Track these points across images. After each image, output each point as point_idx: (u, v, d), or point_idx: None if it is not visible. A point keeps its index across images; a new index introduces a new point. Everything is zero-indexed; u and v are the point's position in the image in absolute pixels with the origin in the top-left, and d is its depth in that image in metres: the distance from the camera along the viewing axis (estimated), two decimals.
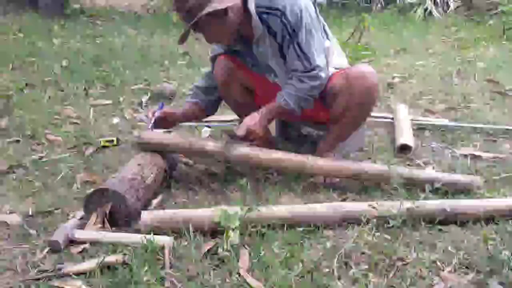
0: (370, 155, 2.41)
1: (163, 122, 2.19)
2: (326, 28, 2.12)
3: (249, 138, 1.99)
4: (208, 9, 1.83)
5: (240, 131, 1.98)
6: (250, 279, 1.42)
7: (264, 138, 2.10)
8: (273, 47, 1.99)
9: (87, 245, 1.60)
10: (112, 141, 2.53)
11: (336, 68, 2.09)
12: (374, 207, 1.64)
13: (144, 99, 3.32)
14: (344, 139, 2.22)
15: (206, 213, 1.68)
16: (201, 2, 1.83)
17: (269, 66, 2.08)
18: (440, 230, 1.72)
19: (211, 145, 2.04)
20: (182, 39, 1.96)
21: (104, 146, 2.52)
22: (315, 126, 2.44)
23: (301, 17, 1.90)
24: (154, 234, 1.61)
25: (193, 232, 1.63)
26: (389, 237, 1.66)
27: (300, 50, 1.92)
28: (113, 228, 1.71)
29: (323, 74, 1.97)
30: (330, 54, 2.08)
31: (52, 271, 1.47)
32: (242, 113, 2.37)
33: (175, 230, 1.66)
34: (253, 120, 2.00)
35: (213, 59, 2.21)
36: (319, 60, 1.95)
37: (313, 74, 1.95)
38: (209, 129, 2.78)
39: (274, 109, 2.03)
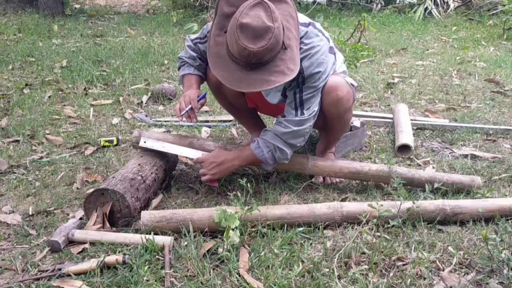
0: (370, 155, 2.42)
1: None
2: (335, 50, 2.05)
3: (199, 168, 1.96)
4: (289, 73, 1.72)
5: (197, 160, 1.95)
6: (250, 279, 1.42)
7: (214, 179, 1.95)
8: (277, 87, 1.91)
9: (87, 245, 1.61)
10: (112, 141, 2.53)
11: None
12: (374, 207, 1.64)
13: (144, 99, 3.32)
14: (338, 139, 2.22)
15: (206, 213, 1.68)
16: (275, 53, 1.70)
17: (266, 97, 2.05)
18: (440, 230, 1.72)
19: (210, 145, 2.04)
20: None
21: (104, 146, 2.52)
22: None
23: (316, 77, 1.83)
24: (154, 234, 1.61)
25: (193, 232, 1.63)
26: (389, 237, 1.66)
27: (299, 101, 1.86)
28: (113, 228, 1.71)
29: (309, 124, 1.89)
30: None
31: (52, 271, 1.47)
32: (235, 112, 2.35)
33: (175, 230, 1.66)
34: (215, 160, 1.92)
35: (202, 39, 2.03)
36: (310, 113, 1.88)
37: (299, 121, 1.86)
38: (209, 129, 2.79)
39: (246, 155, 1.93)
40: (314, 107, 1.88)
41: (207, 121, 2.92)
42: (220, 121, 2.93)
